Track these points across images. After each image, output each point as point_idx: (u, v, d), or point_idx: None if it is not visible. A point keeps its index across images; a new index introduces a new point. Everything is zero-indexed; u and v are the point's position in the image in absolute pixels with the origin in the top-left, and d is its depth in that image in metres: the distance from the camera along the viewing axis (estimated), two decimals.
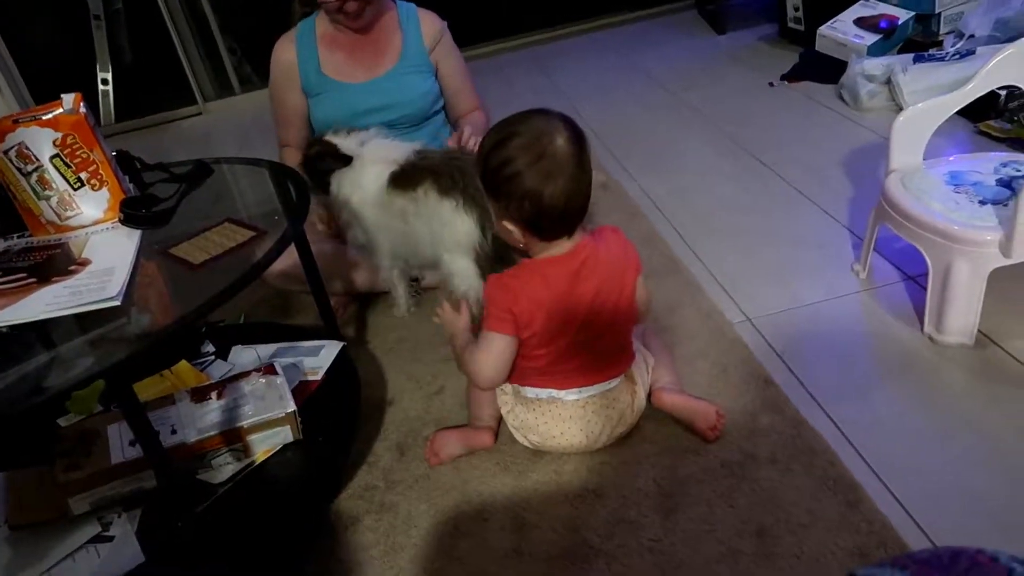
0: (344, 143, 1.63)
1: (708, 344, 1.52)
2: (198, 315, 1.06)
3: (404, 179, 1.55)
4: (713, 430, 1.28)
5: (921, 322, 1.46)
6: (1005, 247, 1.29)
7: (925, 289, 1.43)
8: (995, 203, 1.37)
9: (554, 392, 1.26)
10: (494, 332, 1.19)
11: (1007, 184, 1.42)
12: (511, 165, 1.07)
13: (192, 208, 1.37)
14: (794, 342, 1.50)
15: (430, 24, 1.89)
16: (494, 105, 2.01)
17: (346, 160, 1.61)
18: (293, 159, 1.81)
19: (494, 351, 1.20)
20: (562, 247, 1.16)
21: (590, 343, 1.22)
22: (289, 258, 1.50)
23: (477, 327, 1.25)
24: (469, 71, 1.98)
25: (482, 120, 1.92)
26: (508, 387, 1.31)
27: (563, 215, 1.10)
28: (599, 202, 2.18)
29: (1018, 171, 1.46)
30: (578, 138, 1.10)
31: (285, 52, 1.85)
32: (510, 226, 1.14)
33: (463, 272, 1.53)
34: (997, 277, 1.34)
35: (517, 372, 1.25)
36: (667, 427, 1.32)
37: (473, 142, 1.71)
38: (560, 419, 1.26)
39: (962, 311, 1.37)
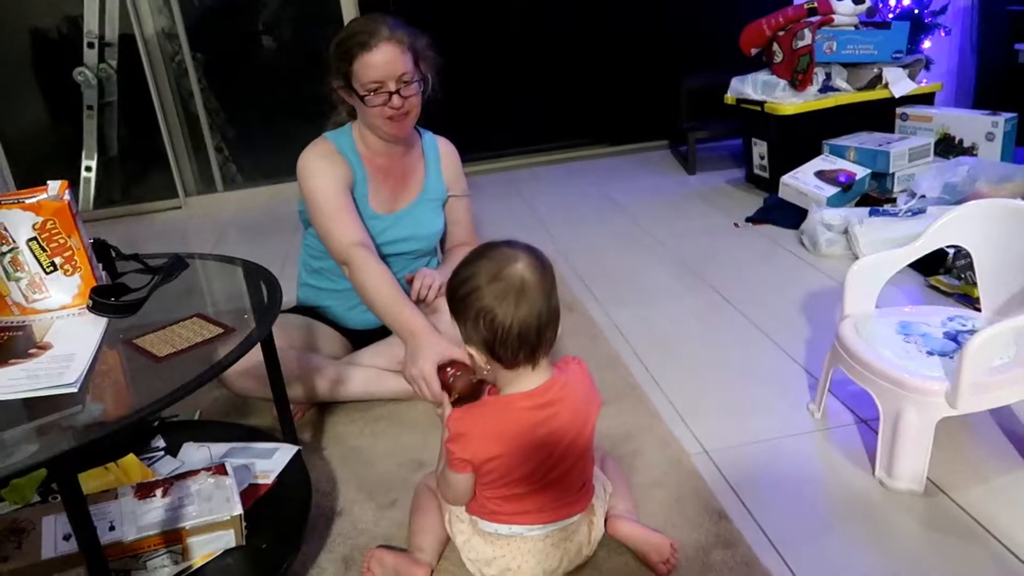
0: None
1: (664, 474, 1.52)
2: (153, 410, 1.05)
3: None
4: (666, 564, 1.26)
5: (873, 465, 1.48)
6: (951, 398, 1.34)
7: (877, 433, 1.47)
8: (942, 355, 1.43)
9: (515, 528, 1.23)
10: (451, 471, 1.18)
11: (953, 337, 1.49)
12: (470, 283, 1.11)
13: (163, 301, 1.38)
14: (749, 477, 1.51)
15: (448, 157, 1.94)
16: None
17: None
18: (374, 262, 1.66)
19: (454, 485, 1.20)
20: (529, 381, 1.16)
21: (555, 481, 1.20)
22: (252, 358, 1.49)
23: None
24: (472, 205, 2.02)
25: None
26: (465, 517, 1.28)
27: (520, 339, 1.11)
28: (564, 323, 2.22)
29: (963, 325, 1.53)
30: (542, 267, 1.13)
31: (335, 155, 1.77)
32: (474, 351, 1.15)
33: None
34: (946, 428, 1.38)
35: (478, 504, 1.23)
36: (620, 556, 1.31)
37: (432, 293, 1.75)
38: (519, 552, 1.23)
39: (911, 457, 1.40)
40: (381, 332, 1.92)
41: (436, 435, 1.71)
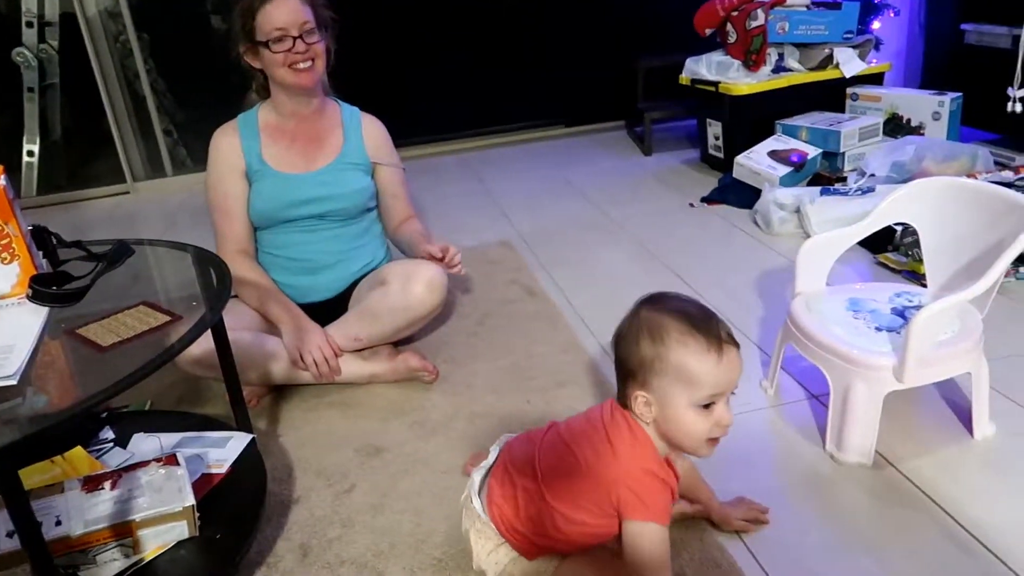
0: None
1: None
2: (96, 401, 1.01)
3: None
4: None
5: (823, 440, 1.51)
6: (899, 373, 1.37)
7: (827, 408, 1.50)
8: (889, 330, 1.46)
9: None
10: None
11: (900, 313, 1.52)
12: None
13: (108, 289, 1.34)
14: None
15: (372, 128, 1.97)
16: (426, 206, 2.06)
17: None
18: (245, 268, 1.82)
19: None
20: None
21: None
22: (204, 344, 1.47)
23: None
24: (407, 179, 2.05)
25: (421, 229, 2.00)
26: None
27: None
28: (524, 307, 2.23)
29: (910, 301, 1.57)
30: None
31: (229, 137, 1.88)
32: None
33: None
34: (894, 401, 1.41)
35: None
36: None
37: (457, 256, 1.82)
38: None
39: (860, 431, 1.44)
40: (333, 307, 1.90)
41: (394, 420, 1.70)
